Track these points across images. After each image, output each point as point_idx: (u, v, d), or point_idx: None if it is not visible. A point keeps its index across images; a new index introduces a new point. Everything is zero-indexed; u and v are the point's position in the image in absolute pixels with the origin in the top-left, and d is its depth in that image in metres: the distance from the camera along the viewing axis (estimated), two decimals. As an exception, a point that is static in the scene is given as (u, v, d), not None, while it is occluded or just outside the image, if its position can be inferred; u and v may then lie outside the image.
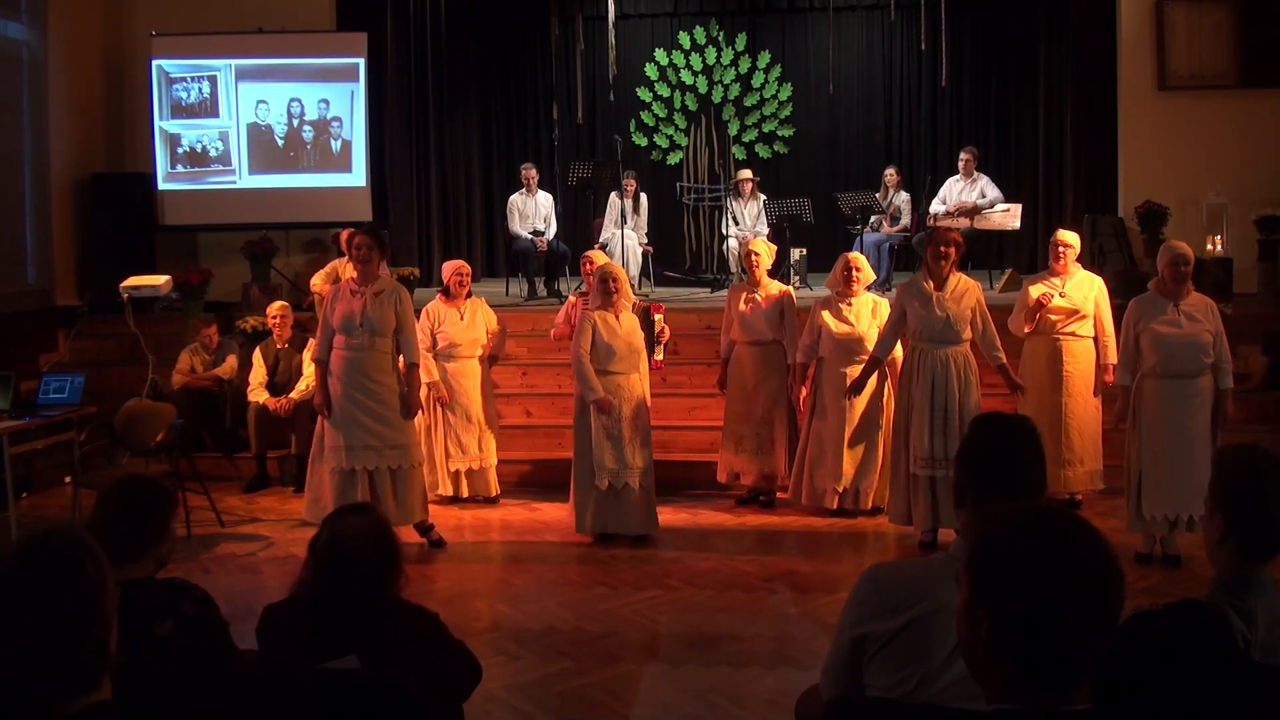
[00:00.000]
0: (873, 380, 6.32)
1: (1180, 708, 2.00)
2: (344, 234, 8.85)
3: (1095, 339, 6.34)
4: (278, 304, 7.89)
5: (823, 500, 6.47)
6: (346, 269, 8.61)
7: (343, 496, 5.62)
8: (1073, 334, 6.32)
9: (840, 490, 6.43)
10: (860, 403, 6.36)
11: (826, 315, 6.43)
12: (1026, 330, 6.38)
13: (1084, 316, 6.30)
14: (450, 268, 7.20)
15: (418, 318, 6.72)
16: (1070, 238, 6.48)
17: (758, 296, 6.63)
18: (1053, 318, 6.30)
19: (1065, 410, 6.28)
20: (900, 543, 6.10)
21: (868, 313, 6.40)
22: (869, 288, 6.67)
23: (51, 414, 6.91)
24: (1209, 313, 5.50)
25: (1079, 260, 6.51)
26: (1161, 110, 9.50)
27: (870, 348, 6.29)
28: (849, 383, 6.30)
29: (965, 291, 5.88)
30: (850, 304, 6.41)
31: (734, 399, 6.73)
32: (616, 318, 6.07)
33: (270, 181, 10.00)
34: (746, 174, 10.45)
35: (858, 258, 6.55)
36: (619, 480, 6.01)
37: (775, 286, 6.73)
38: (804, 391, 6.59)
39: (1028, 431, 2.28)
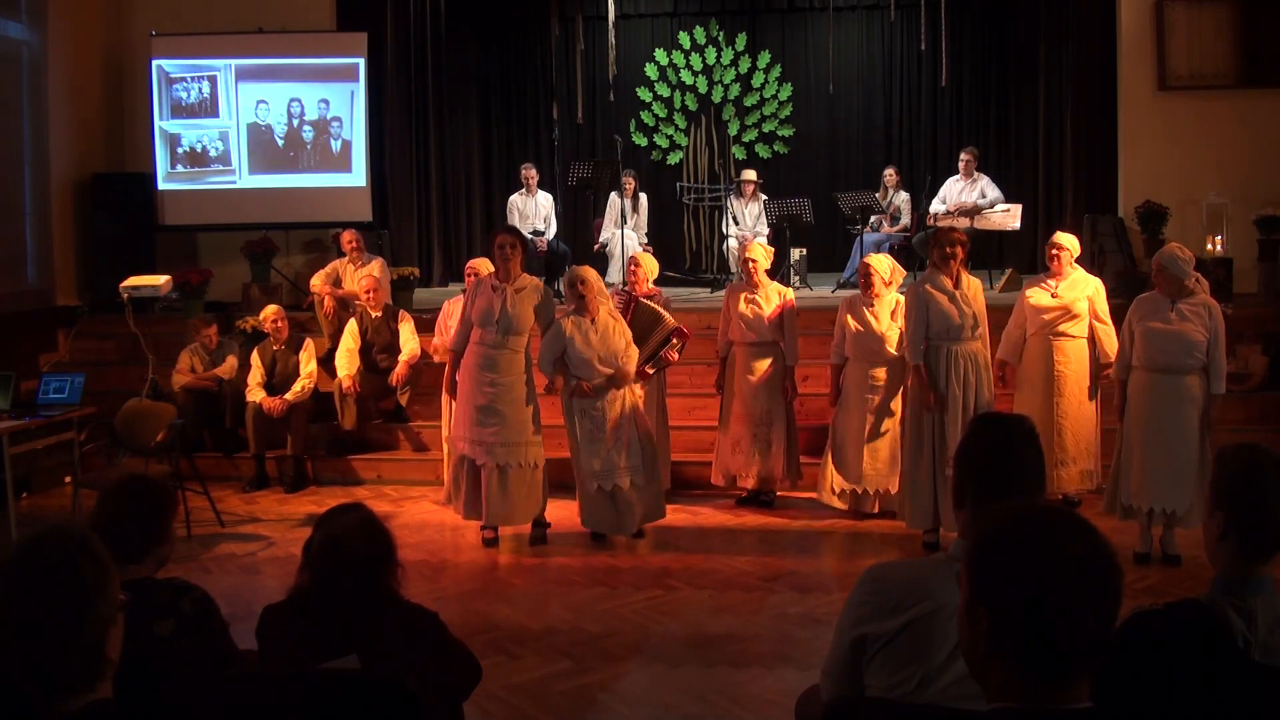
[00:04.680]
0: (885, 380, 6.34)
1: (1180, 707, 2.00)
2: (343, 235, 8.87)
3: (1090, 339, 6.34)
4: (271, 308, 7.84)
5: (839, 500, 6.47)
6: (347, 270, 8.63)
7: (456, 481, 6.08)
8: (1065, 334, 6.30)
9: (859, 492, 6.42)
10: (879, 402, 6.34)
11: (848, 316, 6.43)
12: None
13: (1075, 317, 6.28)
14: (470, 267, 6.95)
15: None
16: (1067, 240, 6.45)
17: (759, 298, 6.61)
18: (1046, 318, 6.30)
19: (1058, 410, 6.28)
20: (900, 543, 6.09)
21: (887, 313, 6.35)
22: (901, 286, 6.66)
23: (51, 414, 6.91)
24: (1208, 314, 5.47)
25: (1078, 261, 6.49)
26: (1161, 110, 9.49)
27: (890, 348, 6.28)
28: (871, 383, 6.31)
29: (978, 290, 5.92)
30: (873, 305, 6.38)
31: (732, 400, 6.69)
32: (591, 321, 6.00)
33: (270, 181, 9.99)
34: (751, 175, 10.43)
35: (873, 262, 6.45)
36: (608, 482, 5.99)
37: (775, 289, 6.70)
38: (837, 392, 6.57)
39: (1026, 431, 2.28)
